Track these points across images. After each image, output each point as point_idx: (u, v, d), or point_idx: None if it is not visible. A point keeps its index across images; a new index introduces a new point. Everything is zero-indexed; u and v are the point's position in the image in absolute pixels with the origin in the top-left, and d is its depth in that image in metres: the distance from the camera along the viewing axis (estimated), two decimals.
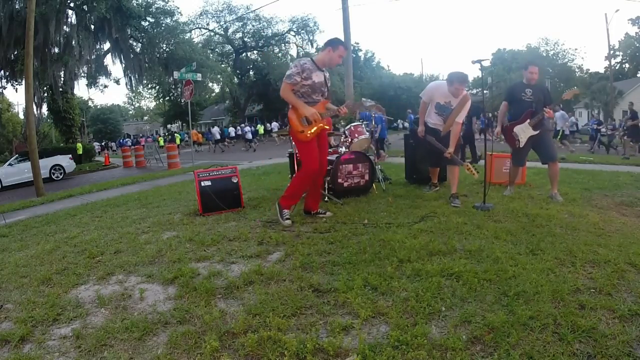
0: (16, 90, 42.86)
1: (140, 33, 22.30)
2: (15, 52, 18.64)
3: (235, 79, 35.72)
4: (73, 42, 19.57)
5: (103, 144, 40.89)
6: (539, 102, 4.37)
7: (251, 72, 37.07)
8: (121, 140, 40.06)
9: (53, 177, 15.00)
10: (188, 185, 7.17)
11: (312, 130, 3.59)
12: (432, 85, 4.58)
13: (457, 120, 4.23)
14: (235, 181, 4.50)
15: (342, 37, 16.65)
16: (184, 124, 41.70)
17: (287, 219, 3.62)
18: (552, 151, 4.51)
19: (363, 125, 5.44)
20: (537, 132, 4.37)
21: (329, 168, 4.70)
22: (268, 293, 2.26)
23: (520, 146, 4.42)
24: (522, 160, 4.66)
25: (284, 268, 2.63)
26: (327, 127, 3.77)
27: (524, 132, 4.38)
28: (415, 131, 4.93)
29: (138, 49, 22.81)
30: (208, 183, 4.38)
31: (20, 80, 19.93)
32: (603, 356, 1.57)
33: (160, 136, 36.74)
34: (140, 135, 42.86)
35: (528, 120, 4.34)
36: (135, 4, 20.75)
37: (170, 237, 3.56)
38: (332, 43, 3.67)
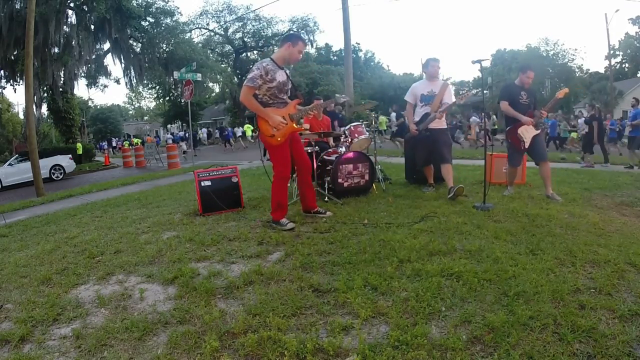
0: (15, 91, 42.90)
1: (140, 33, 22.28)
2: (15, 52, 18.63)
3: (235, 79, 35.71)
4: (73, 42, 19.55)
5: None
6: (532, 104, 4.54)
7: None
8: (101, 144, 40.21)
9: (53, 177, 15.00)
10: (188, 185, 7.18)
11: (282, 134, 3.50)
12: (412, 85, 4.95)
13: (445, 101, 4.52)
14: (235, 181, 4.50)
15: (342, 37, 16.74)
16: (184, 124, 41.74)
17: (288, 223, 3.55)
18: (543, 151, 4.64)
19: (363, 125, 5.45)
20: (538, 131, 4.52)
21: (328, 168, 4.71)
22: (268, 293, 2.26)
23: (526, 147, 4.50)
24: (519, 160, 4.78)
25: (284, 268, 2.63)
26: (305, 127, 3.73)
27: (527, 132, 4.48)
28: (409, 135, 5.03)
29: (138, 49, 22.80)
30: (208, 183, 4.38)
31: (20, 81, 19.93)
32: (603, 356, 1.57)
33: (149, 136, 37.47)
34: (118, 138, 43.50)
35: (530, 122, 4.45)
36: (135, 4, 20.73)
37: (170, 237, 3.56)
38: (291, 38, 3.56)
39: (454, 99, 4.59)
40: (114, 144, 37.81)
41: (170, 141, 25.92)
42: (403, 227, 3.33)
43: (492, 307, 1.96)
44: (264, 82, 3.43)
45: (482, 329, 1.77)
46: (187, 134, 30.21)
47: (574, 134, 14.70)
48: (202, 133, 23.28)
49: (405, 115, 5.04)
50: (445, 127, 4.71)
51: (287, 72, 3.65)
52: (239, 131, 25.33)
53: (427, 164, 4.99)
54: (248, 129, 23.34)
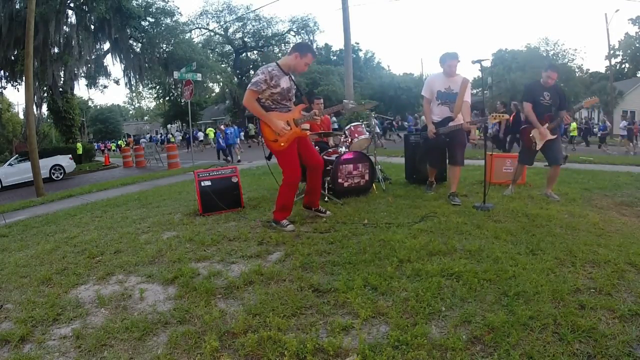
0: (17, 90, 42.97)
1: (140, 33, 22.29)
2: (15, 52, 18.63)
3: (235, 79, 35.73)
4: (73, 42, 19.56)
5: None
6: (556, 106, 4.37)
7: (251, 72, 37.06)
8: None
9: (53, 177, 15.00)
10: (188, 185, 7.18)
11: (286, 139, 3.45)
12: (428, 78, 4.65)
13: (466, 99, 4.26)
14: (235, 181, 4.50)
15: (342, 37, 16.79)
16: (184, 124, 41.82)
17: (288, 225, 3.54)
18: (559, 155, 4.50)
19: (363, 125, 5.45)
20: (555, 136, 4.38)
21: (328, 168, 4.71)
22: (268, 293, 2.26)
23: (537, 149, 4.41)
24: (530, 160, 4.64)
25: (284, 268, 2.63)
26: (305, 127, 3.60)
27: (542, 135, 4.36)
28: (425, 132, 4.79)
29: (138, 49, 22.81)
30: (208, 183, 4.38)
31: (20, 81, 19.93)
32: (603, 356, 1.57)
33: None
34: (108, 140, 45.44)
35: (547, 124, 4.33)
36: (135, 4, 20.73)
37: (170, 237, 3.56)
38: (301, 49, 3.47)
39: (470, 99, 4.36)
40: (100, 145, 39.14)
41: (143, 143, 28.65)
42: (403, 227, 3.33)
43: (492, 307, 1.96)
44: (267, 87, 3.37)
45: (482, 329, 1.77)
46: (163, 136, 32.44)
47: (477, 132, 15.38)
48: (176, 136, 23.89)
49: (423, 111, 4.76)
50: (461, 122, 4.38)
51: (292, 78, 3.59)
52: (200, 135, 27.80)
53: (435, 167, 4.87)
54: (210, 132, 25.25)
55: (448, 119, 4.34)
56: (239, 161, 13.47)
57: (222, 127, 15.08)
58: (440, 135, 4.35)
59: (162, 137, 35.58)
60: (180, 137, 32.56)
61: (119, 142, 35.31)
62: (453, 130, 4.29)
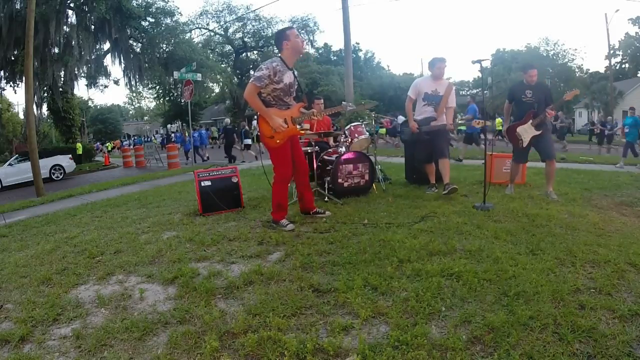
0: (15, 92, 43.10)
1: (140, 33, 22.26)
2: (15, 53, 18.62)
3: (235, 79, 35.71)
4: (73, 42, 19.54)
5: None
6: (540, 102, 4.46)
7: (251, 72, 37.06)
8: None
9: (53, 177, 14.99)
10: (188, 185, 7.17)
11: (282, 136, 3.48)
12: (416, 81, 4.91)
13: (449, 105, 4.61)
14: (235, 181, 4.50)
15: (342, 37, 16.80)
16: (184, 124, 41.87)
17: (288, 224, 3.55)
18: (551, 150, 4.59)
19: (363, 125, 5.45)
20: (540, 132, 4.46)
21: (328, 168, 4.71)
22: (268, 293, 2.26)
23: (524, 146, 4.52)
24: (523, 157, 4.73)
25: (284, 268, 2.63)
26: (305, 127, 3.66)
27: (526, 132, 4.47)
28: (407, 132, 4.99)
29: (138, 49, 22.77)
30: (208, 183, 4.38)
31: (19, 82, 19.93)
32: (603, 356, 1.57)
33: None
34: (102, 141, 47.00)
35: (530, 121, 4.44)
36: (135, 4, 20.71)
37: (170, 237, 3.56)
38: (282, 36, 3.48)
39: (454, 104, 4.66)
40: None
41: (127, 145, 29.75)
42: (403, 227, 3.33)
43: (492, 307, 1.96)
44: (270, 82, 3.39)
45: (482, 329, 1.77)
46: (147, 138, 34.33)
47: (382, 130, 16.05)
48: (157, 138, 24.09)
49: (405, 110, 4.97)
50: (445, 123, 4.66)
51: (295, 73, 3.62)
52: (174, 136, 28.35)
53: (428, 162, 4.93)
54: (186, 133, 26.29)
55: (430, 119, 4.63)
56: (207, 158, 15.78)
57: (190, 130, 17.09)
58: (422, 132, 4.68)
59: (146, 139, 37.39)
60: (161, 139, 33.03)
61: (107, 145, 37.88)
62: (434, 130, 4.59)
